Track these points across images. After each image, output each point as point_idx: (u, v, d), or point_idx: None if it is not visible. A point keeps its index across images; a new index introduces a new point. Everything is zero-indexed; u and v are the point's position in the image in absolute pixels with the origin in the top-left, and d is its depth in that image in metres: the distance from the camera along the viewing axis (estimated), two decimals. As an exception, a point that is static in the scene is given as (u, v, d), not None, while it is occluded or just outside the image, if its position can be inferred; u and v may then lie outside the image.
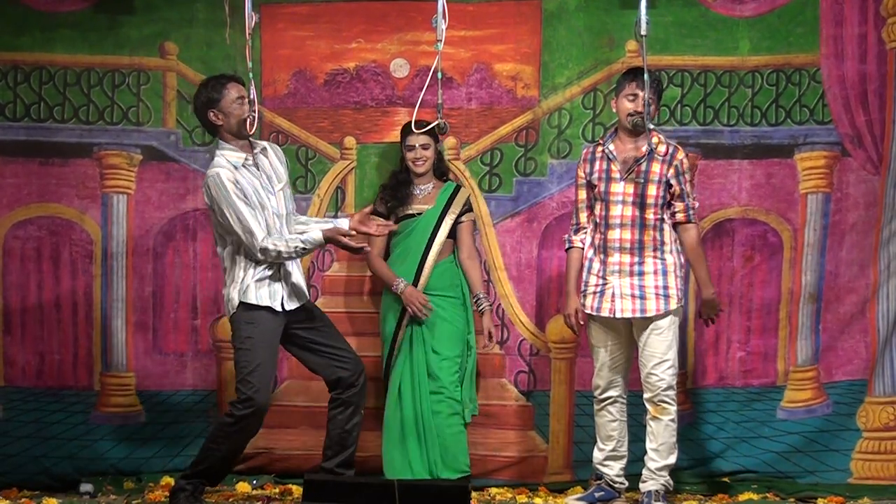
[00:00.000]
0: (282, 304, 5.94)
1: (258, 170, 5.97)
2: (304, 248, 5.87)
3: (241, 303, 5.89)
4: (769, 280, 6.92)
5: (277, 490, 6.62)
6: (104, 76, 6.90)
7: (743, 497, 6.52)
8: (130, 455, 6.83)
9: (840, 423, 6.87)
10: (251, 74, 5.91)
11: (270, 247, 5.82)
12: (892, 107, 6.80)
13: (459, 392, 6.50)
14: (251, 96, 5.90)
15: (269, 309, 5.91)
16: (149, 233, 6.92)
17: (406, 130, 6.55)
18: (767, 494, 6.59)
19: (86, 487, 6.59)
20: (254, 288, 5.88)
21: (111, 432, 6.85)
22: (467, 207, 6.65)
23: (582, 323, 6.29)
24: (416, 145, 6.54)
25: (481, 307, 6.59)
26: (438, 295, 6.53)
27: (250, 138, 5.99)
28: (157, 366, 6.90)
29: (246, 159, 5.94)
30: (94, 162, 6.90)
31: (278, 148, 6.19)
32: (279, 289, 5.93)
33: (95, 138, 6.90)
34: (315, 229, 5.94)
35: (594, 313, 6.21)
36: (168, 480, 6.65)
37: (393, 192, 6.63)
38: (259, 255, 5.84)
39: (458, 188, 6.67)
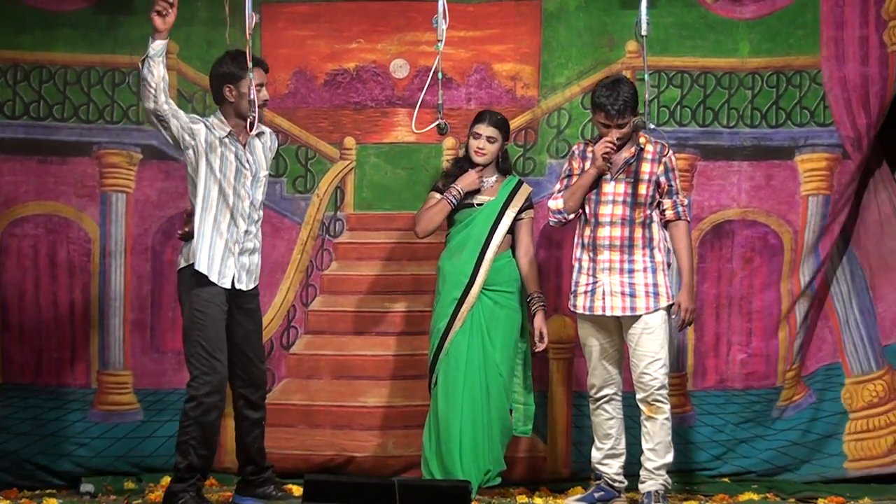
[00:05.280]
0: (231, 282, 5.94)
1: (243, 150, 5.96)
2: None
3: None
4: (769, 282, 6.90)
5: (276, 490, 6.60)
6: (104, 75, 6.89)
7: (743, 497, 6.50)
8: (128, 453, 6.82)
9: (826, 409, 6.92)
10: (251, 74, 5.89)
11: None
12: (895, 109, 6.83)
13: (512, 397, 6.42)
14: (251, 96, 5.88)
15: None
16: (147, 231, 6.90)
17: (480, 117, 6.41)
18: (767, 495, 6.58)
19: (86, 487, 6.56)
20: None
21: (108, 430, 6.83)
22: (528, 204, 6.46)
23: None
24: (483, 135, 6.38)
25: (534, 307, 6.40)
26: (496, 290, 6.35)
27: (250, 119, 5.89)
28: (154, 364, 6.87)
29: (230, 133, 5.93)
30: (93, 160, 6.88)
31: (275, 138, 6.17)
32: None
33: (95, 137, 6.89)
34: None
35: (585, 312, 6.17)
36: (168, 479, 6.63)
37: (455, 180, 6.44)
38: None
39: (520, 183, 6.50)
